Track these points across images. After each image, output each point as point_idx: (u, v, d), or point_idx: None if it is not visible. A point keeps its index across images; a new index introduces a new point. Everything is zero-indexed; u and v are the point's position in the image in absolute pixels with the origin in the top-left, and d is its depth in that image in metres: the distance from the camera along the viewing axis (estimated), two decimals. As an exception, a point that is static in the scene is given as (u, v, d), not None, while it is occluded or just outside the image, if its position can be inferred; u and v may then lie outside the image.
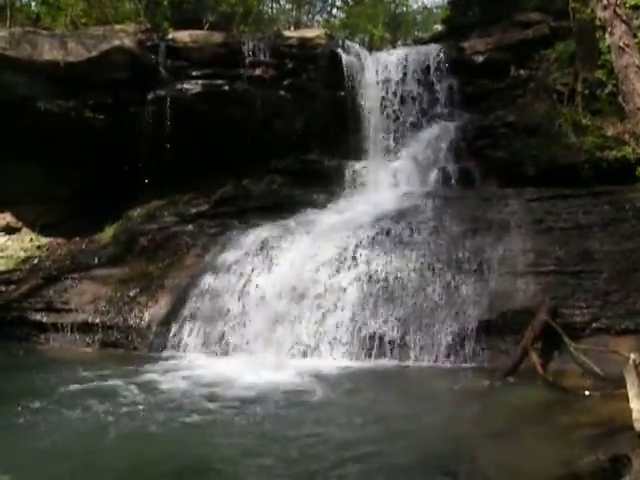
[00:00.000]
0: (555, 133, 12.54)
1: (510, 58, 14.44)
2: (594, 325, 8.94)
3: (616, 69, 6.69)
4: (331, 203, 13.09)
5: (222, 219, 13.09)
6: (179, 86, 13.67)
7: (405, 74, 14.73)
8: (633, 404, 5.61)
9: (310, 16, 27.65)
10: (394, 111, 14.66)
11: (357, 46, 15.91)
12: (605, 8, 6.60)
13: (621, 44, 6.49)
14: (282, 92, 14.11)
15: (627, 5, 9.27)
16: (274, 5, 27.45)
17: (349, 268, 10.60)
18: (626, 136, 11.69)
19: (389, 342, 9.41)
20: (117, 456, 5.84)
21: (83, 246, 13.27)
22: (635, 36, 6.86)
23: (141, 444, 6.13)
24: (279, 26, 21.56)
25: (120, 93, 13.41)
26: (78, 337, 11.24)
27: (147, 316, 11.03)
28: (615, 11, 6.54)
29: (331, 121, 14.10)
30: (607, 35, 6.64)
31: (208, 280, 11.26)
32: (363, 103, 14.54)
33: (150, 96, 13.53)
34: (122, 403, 7.32)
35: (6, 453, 5.85)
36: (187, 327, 10.53)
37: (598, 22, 6.86)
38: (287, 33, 15.42)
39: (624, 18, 6.59)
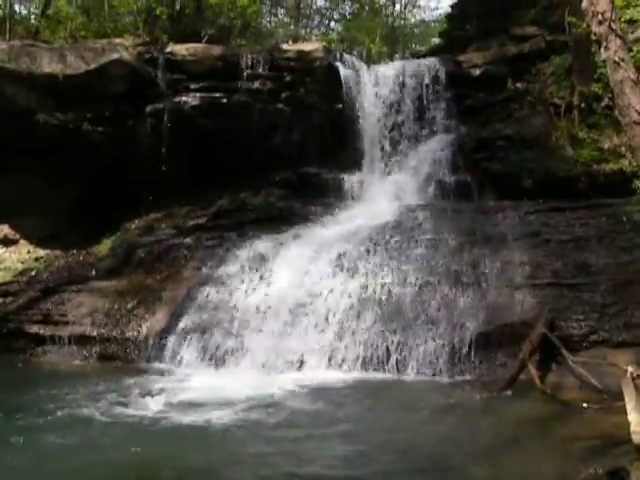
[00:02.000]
0: (552, 146, 12.63)
1: (507, 71, 14.53)
2: (592, 338, 8.96)
3: (611, 83, 6.74)
4: (329, 216, 13.11)
5: (220, 232, 13.08)
6: (177, 99, 13.73)
7: (402, 87, 14.82)
8: (631, 417, 5.61)
9: (308, 30, 27.79)
10: (391, 124, 14.74)
11: (355, 59, 16.00)
12: (600, 23, 6.65)
13: (616, 59, 6.54)
14: (280, 105, 14.17)
15: (622, 20, 9.36)
16: (272, 19, 27.65)
17: (347, 281, 10.61)
18: (622, 149, 11.76)
19: (386, 355, 9.39)
20: (111, 471, 5.80)
21: (81, 258, 13.26)
22: (630, 50, 6.92)
23: (134, 458, 6.07)
24: (277, 39, 21.69)
25: (118, 106, 13.46)
26: (75, 349, 11.19)
27: (144, 329, 11.00)
28: (610, 26, 6.59)
29: (329, 134, 14.15)
30: (602, 50, 6.68)
31: (205, 293, 11.25)
32: (360, 116, 14.61)
33: (148, 109, 13.59)
34: (118, 417, 7.27)
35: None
36: (184, 340, 10.49)
37: (593, 36, 6.90)
38: (285, 46, 15.50)
39: (619, 33, 6.63)
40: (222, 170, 13.21)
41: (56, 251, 13.62)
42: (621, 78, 6.52)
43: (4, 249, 13.80)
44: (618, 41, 6.58)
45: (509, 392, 8.19)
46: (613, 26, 6.60)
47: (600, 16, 6.64)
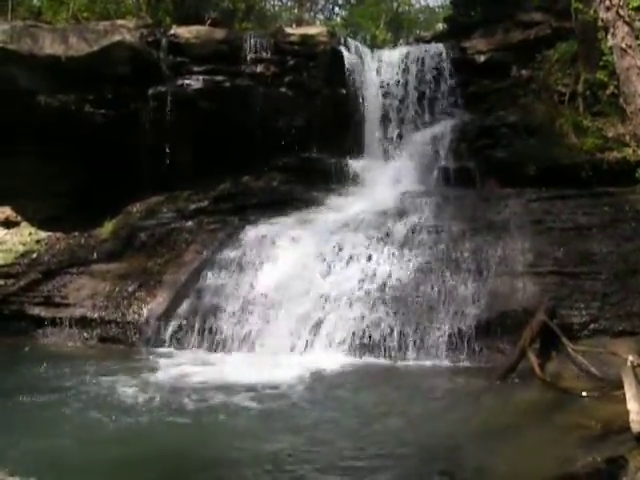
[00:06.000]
0: (556, 134, 12.55)
1: (512, 58, 14.44)
2: (592, 326, 8.94)
3: (618, 70, 6.68)
4: (331, 201, 13.08)
5: (222, 215, 13.07)
6: (180, 82, 13.68)
7: (406, 73, 14.74)
8: (630, 405, 5.61)
9: (312, 14, 27.63)
10: (395, 109, 14.67)
11: (359, 44, 15.92)
12: (608, 9, 6.59)
13: (623, 46, 6.48)
14: (283, 89, 14.11)
15: (630, 6, 9.26)
16: (276, 2, 27.47)
17: (348, 266, 10.60)
18: (627, 138, 11.70)
19: (387, 341, 9.40)
20: (112, 453, 5.81)
21: (82, 241, 13.25)
22: (637, 38, 6.85)
23: (134, 441, 6.10)
24: (281, 23, 21.54)
25: (121, 88, 13.41)
26: (76, 332, 11.22)
27: (145, 312, 11.02)
28: (618, 12, 6.53)
29: (332, 118, 14.09)
30: (609, 36, 6.62)
31: (207, 276, 11.26)
32: (364, 101, 14.56)
33: (151, 92, 13.54)
34: (118, 400, 7.29)
35: (3, 450, 5.82)
36: (185, 323, 10.52)
37: (600, 23, 6.83)
38: (289, 30, 15.40)
39: (627, 19, 6.57)
40: (224, 154, 13.16)
41: (58, 233, 13.62)
42: (628, 65, 6.47)
43: (5, 231, 13.80)
44: (626, 28, 6.52)
45: (509, 380, 8.21)
46: (621, 12, 6.53)
47: (608, 2, 6.58)
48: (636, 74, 6.39)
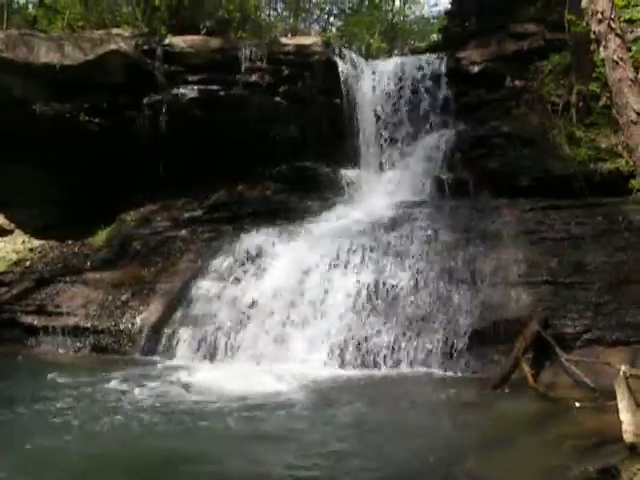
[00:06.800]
0: (549, 144, 12.62)
1: (505, 69, 14.51)
2: (586, 336, 8.96)
3: (610, 82, 6.72)
4: (325, 210, 13.09)
5: (216, 225, 13.08)
6: (175, 91, 13.72)
7: (401, 83, 14.81)
8: (623, 416, 5.62)
9: (307, 24, 27.70)
10: (389, 119, 14.73)
11: (353, 54, 15.98)
12: (600, 22, 6.63)
13: (615, 58, 6.52)
14: (278, 98, 14.16)
15: (621, 19, 9.33)
16: (271, 12, 27.53)
17: (342, 276, 10.60)
18: (619, 148, 11.77)
19: (380, 351, 9.39)
20: (103, 463, 5.78)
21: (76, 249, 13.23)
22: (629, 50, 6.90)
23: (124, 450, 6.06)
24: (276, 33, 21.59)
25: (116, 97, 13.45)
26: (69, 341, 11.18)
27: (139, 321, 10.98)
28: (609, 25, 6.56)
29: (326, 128, 14.13)
30: (601, 49, 6.65)
31: (200, 286, 11.24)
32: (358, 111, 14.61)
33: (146, 100, 13.58)
34: (110, 409, 7.23)
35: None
36: (178, 332, 10.48)
37: (592, 35, 6.87)
38: (284, 40, 15.47)
39: (618, 32, 6.61)
40: (219, 163, 13.18)
41: (51, 242, 13.60)
42: (620, 77, 6.50)
43: (-1, 239, 13.77)
44: (617, 40, 6.55)
45: (502, 389, 8.20)
46: (612, 25, 6.57)
47: (600, 15, 6.61)
48: (628, 86, 6.43)
